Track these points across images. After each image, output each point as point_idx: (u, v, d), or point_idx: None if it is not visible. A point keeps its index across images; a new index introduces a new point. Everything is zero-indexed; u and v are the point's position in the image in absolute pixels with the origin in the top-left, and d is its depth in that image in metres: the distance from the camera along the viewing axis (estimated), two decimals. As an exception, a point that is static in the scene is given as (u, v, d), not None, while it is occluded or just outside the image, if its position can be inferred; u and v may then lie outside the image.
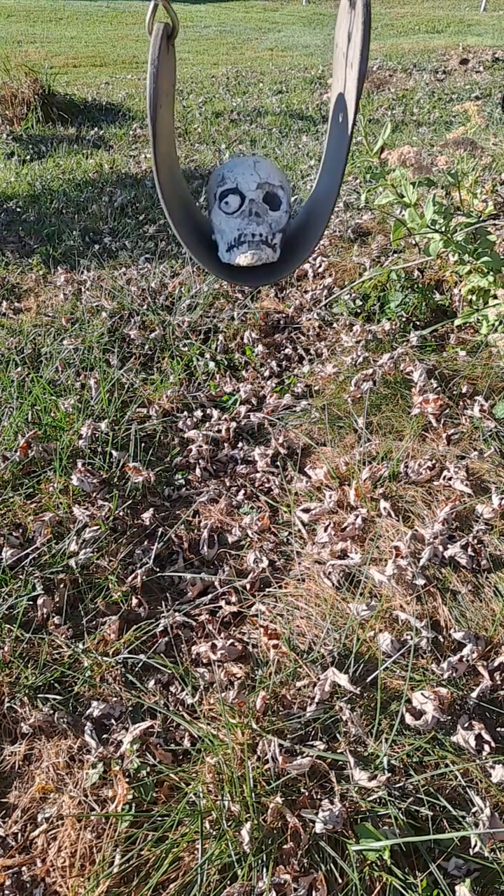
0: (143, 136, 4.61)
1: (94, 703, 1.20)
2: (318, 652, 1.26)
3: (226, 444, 1.84)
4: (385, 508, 1.53)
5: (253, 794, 1.03)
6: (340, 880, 0.97)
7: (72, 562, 1.44)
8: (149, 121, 0.89)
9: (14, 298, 2.61)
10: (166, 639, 1.32)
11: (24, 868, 1.01)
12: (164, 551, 1.52)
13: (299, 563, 1.46)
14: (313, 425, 1.85)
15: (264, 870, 0.97)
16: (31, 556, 1.46)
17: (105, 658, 1.28)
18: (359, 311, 2.33)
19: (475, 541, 1.45)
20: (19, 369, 2.06)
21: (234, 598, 1.40)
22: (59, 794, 1.09)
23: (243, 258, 1.05)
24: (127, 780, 1.08)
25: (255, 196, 1.07)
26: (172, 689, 1.25)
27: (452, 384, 1.91)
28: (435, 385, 1.89)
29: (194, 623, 1.36)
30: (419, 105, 5.22)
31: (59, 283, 2.67)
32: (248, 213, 1.06)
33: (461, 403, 1.86)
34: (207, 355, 2.18)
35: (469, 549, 1.43)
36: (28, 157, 4.19)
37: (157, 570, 1.47)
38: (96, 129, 4.79)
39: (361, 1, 0.82)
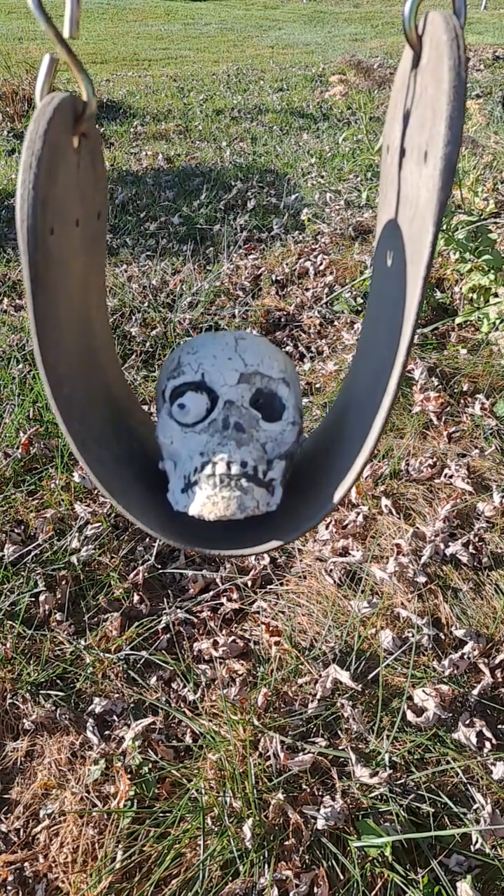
0: (144, 134, 4.60)
1: (96, 700, 1.21)
2: (320, 649, 1.26)
3: (227, 442, 1.84)
4: (386, 506, 1.53)
5: (254, 791, 1.03)
6: (342, 876, 0.97)
7: (73, 558, 1.45)
8: (23, 260, 0.44)
9: (15, 295, 2.61)
10: (168, 635, 1.33)
11: (26, 864, 1.01)
12: (165, 548, 1.52)
13: (301, 561, 1.46)
14: (314, 423, 1.85)
15: (266, 866, 0.97)
16: (32, 553, 1.46)
17: (107, 655, 1.28)
18: (360, 308, 2.32)
19: (476, 538, 1.45)
20: (21, 366, 2.06)
21: (235, 595, 1.40)
22: (61, 790, 1.10)
23: (209, 506, 0.58)
24: (129, 776, 1.08)
25: (236, 396, 0.61)
26: (174, 685, 1.25)
27: (453, 382, 1.91)
28: (436, 383, 1.89)
29: (196, 620, 1.36)
30: (420, 103, 5.22)
31: (59, 281, 2.67)
32: (221, 426, 0.60)
33: (462, 401, 1.86)
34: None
35: (470, 547, 1.43)
36: (29, 155, 4.18)
37: (159, 566, 1.48)
38: (97, 126, 4.78)
39: (447, 35, 0.42)
